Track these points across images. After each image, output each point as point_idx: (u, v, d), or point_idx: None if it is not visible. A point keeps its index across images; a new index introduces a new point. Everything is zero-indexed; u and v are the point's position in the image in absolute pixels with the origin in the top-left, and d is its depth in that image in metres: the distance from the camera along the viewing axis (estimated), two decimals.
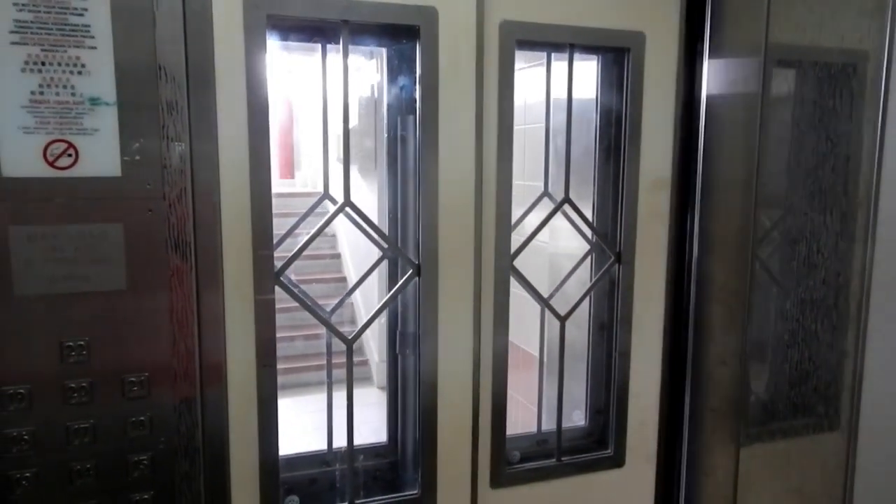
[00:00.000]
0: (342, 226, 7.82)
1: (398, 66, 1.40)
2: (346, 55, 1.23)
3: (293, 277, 1.35)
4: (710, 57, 1.51)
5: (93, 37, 0.99)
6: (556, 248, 1.78)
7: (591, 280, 1.61)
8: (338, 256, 7.11)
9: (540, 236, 1.58)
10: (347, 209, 1.33)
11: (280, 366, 1.29)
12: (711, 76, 1.52)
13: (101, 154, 1.01)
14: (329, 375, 1.51)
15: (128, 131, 1.02)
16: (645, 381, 1.60)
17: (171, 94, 1.03)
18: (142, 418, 1.07)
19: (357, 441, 1.43)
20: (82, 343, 1.03)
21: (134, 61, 1.01)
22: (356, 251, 6.89)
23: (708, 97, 1.52)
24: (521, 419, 1.87)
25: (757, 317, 1.54)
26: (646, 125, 1.50)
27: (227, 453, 1.15)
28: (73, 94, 0.99)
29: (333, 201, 1.36)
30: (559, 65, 1.52)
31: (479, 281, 1.39)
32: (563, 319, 1.56)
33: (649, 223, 1.55)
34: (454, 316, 1.37)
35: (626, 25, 1.44)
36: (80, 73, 0.99)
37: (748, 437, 1.54)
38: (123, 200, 1.03)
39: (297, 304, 1.31)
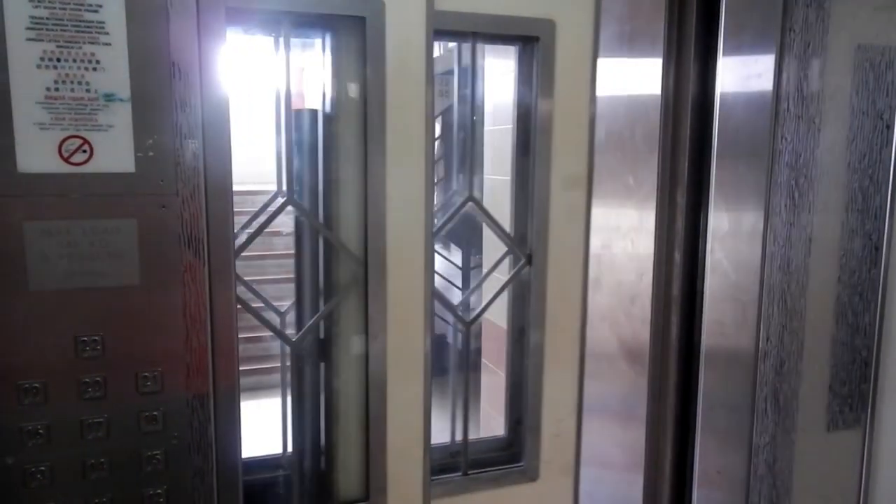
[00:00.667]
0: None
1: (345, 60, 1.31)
2: (287, 47, 1.21)
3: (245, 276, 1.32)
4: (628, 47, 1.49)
5: (107, 33, 0.99)
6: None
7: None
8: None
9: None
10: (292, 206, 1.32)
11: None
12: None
13: (115, 150, 1.02)
14: (283, 378, 1.48)
15: (142, 127, 1.02)
16: (561, 390, 1.51)
17: (184, 91, 1.03)
18: (155, 413, 1.08)
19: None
20: (97, 338, 1.03)
21: (148, 58, 1.01)
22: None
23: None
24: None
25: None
26: (558, 119, 1.40)
27: (240, 449, 1.16)
28: (87, 91, 0.99)
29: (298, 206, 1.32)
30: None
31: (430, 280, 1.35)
32: (468, 325, 1.52)
33: (564, 223, 1.46)
34: (404, 313, 1.34)
35: (535, 13, 1.35)
36: (94, 69, 0.99)
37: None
38: (137, 196, 1.03)
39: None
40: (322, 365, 1.39)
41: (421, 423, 1.37)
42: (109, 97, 1.00)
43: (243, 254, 1.21)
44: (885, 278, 1.48)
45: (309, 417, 1.40)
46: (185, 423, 1.10)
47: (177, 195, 1.05)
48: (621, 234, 1.82)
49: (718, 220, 1.60)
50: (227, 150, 1.08)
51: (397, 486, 1.37)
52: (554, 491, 1.53)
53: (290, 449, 1.42)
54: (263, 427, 1.61)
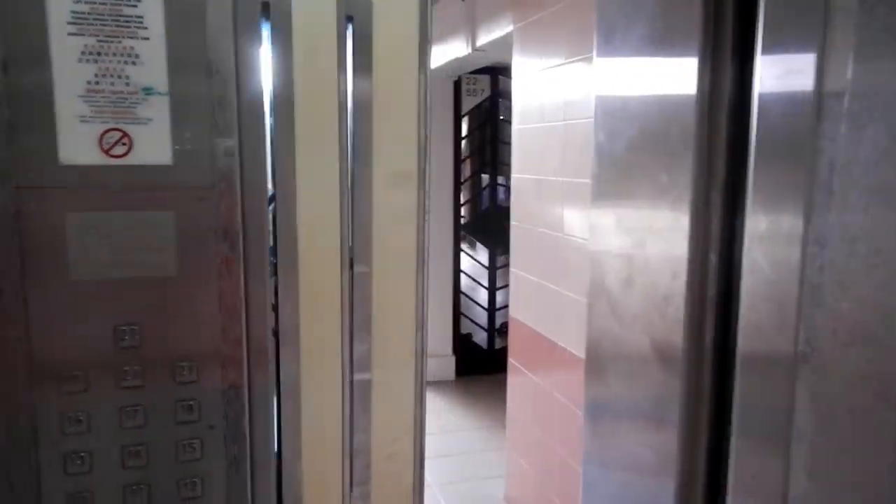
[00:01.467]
0: None
1: None
2: None
3: None
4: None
5: (146, 27, 1.01)
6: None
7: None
8: None
9: None
10: None
11: None
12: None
13: (153, 143, 1.03)
14: None
15: (179, 121, 1.04)
16: (395, 406, 1.30)
17: (221, 87, 1.05)
18: (191, 403, 1.09)
19: None
20: (135, 327, 1.05)
21: (185, 53, 1.03)
22: None
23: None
24: None
25: None
26: (379, 107, 1.20)
27: (274, 439, 1.17)
28: (127, 84, 1.01)
29: None
30: None
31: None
32: None
33: (392, 224, 1.25)
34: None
35: None
36: (133, 63, 1.01)
37: None
38: (175, 189, 1.05)
39: None
40: None
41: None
42: (148, 91, 1.02)
43: None
44: None
45: None
46: (220, 413, 1.11)
47: (213, 188, 1.06)
48: (654, 234, 1.80)
49: (756, 220, 1.57)
50: (262, 144, 1.09)
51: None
52: None
53: None
54: None
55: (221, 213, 1.07)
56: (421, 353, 1.29)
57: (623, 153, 1.78)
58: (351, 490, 1.25)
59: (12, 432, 1.02)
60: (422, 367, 1.30)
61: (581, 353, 2.74)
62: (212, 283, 1.08)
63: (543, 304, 3.24)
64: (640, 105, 1.94)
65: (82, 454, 1.04)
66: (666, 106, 1.89)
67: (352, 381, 1.23)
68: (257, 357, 1.13)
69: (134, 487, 1.08)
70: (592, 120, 1.69)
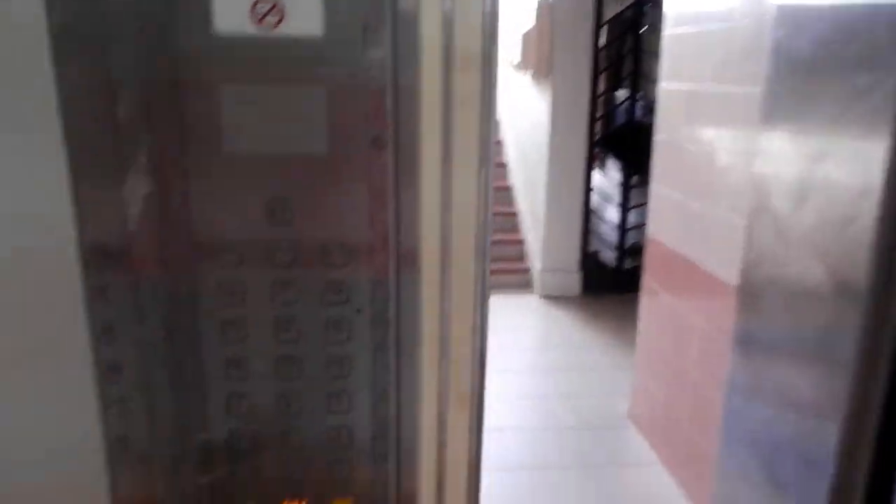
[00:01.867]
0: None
1: None
2: None
3: None
4: None
5: None
6: None
7: None
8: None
9: None
10: None
11: None
12: None
13: (304, 14, 0.99)
14: None
15: None
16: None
17: None
18: (340, 285, 1.09)
19: None
20: (287, 205, 1.05)
21: None
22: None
23: None
24: None
25: None
26: None
27: (420, 330, 1.15)
28: None
29: None
30: None
31: None
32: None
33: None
34: None
35: None
36: None
37: None
38: (325, 64, 1.01)
39: None
40: None
41: None
42: None
43: None
44: None
45: None
46: (367, 298, 1.10)
47: (364, 65, 1.01)
48: (840, 145, 1.55)
49: None
50: (415, 23, 1.01)
51: None
52: None
53: None
54: None
55: (373, 91, 1.02)
56: (483, 255, 1.16)
57: (808, 51, 1.53)
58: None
59: (178, 300, 1.07)
60: (483, 271, 1.19)
61: (726, 277, 2.55)
62: (361, 166, 1.05)
63: (687, 225, 3.03)
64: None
65: (236, 321, 1.07)
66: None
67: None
68: (405, 249, 1.10)
69: (285, 356, 1.11)
70: (757, 23, 1.45)
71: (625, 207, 5.86)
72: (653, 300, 3.49)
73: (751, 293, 1.81)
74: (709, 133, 2.88)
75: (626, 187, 5.84)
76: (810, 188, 1.61)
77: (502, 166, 7.78)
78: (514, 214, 7.15)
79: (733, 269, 2.31)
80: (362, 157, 1.04)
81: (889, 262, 1.36)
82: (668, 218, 3.27)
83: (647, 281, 3.53)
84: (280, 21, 0.99)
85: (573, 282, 5.99)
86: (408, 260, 1.10)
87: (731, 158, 2.62)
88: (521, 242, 6.75)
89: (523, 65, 6.71)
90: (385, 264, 1.09)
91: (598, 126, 5.92)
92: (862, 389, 1.47)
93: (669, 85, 3.33)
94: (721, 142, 2.75)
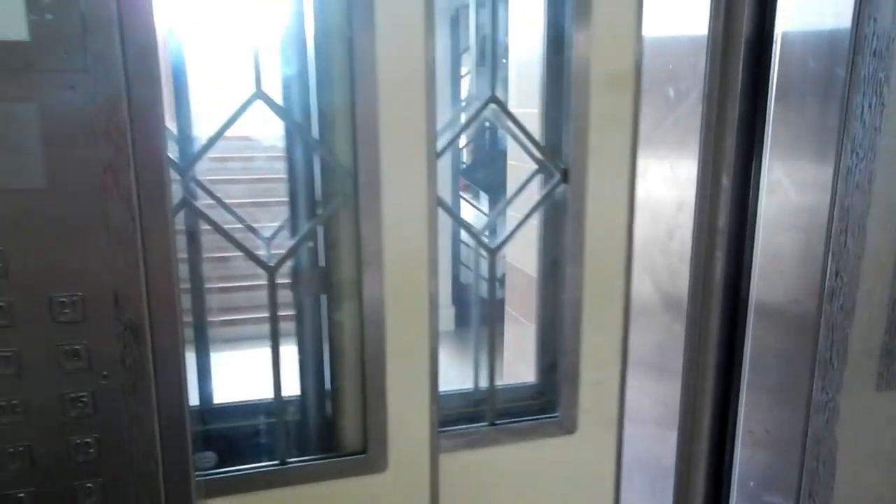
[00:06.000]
0: None
1: None
2: None
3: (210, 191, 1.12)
4: None
5: None
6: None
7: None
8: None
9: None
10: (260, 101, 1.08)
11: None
12: None
13: (1, 12, 0.79)
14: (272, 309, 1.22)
15: None
16: (603, 331, 1.30)
17: None
18: (77, 347, 0.88)
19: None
20: None
21: None
22: None
23: None
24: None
25: None
26: (598, 5, 1.16)
27: (186, 391, 0.96)
28: None
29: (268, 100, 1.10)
30: None
31: (435, 199, 1.15)
32: (493, 252, 1.29)
33: (604, 131, 1.21)
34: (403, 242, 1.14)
35: None
36: None
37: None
38: (35, 74, 0.80)
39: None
40: (324, 298, 1.21)
41: (426, 365, 1.17)
42: None
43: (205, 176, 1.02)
44: None
45: (308, 358, 1.21)
46: (116, 359, 0.89)
47: (87, 72, 0.82)
48: (658, 157, 1.55)
49: (778, 133, 1.32)
50: (149, 8, 0.84)
51: (399, 437, 1.19)
52: (594, 445, 1.33)
53: (290, 393, 1.25)
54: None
55: (99, 105, 0.83)
56: (628, 276, 1.24)
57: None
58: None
59: None
60: (628, 292, 1.25)
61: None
62: (94, 196, 0.85)
63: None
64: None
65: None
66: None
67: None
68: (160, 290, 0.90)
69: (11, 450, 0.88)
70: None
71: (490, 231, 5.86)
72: (518, 330, 3.44)
73: None
74: None
75: (493, 212, 5.85)
76: (639, 204, 1.59)
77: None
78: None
79: None
80: (95, 185, 0.84)
81: (705, 272, 1.35)
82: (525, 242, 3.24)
83: (509, 309, 3.48)
84: None
85: (446, 316, 5.87)
86: (163, 309, 0.90)
87: None
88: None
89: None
90: (138, 310, 0.89)
91: (465, 154, 5.91)
92: (691, 398, 1.45)
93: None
94: None
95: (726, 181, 1.43)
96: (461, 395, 1.33)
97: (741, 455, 1.44)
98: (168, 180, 0.90)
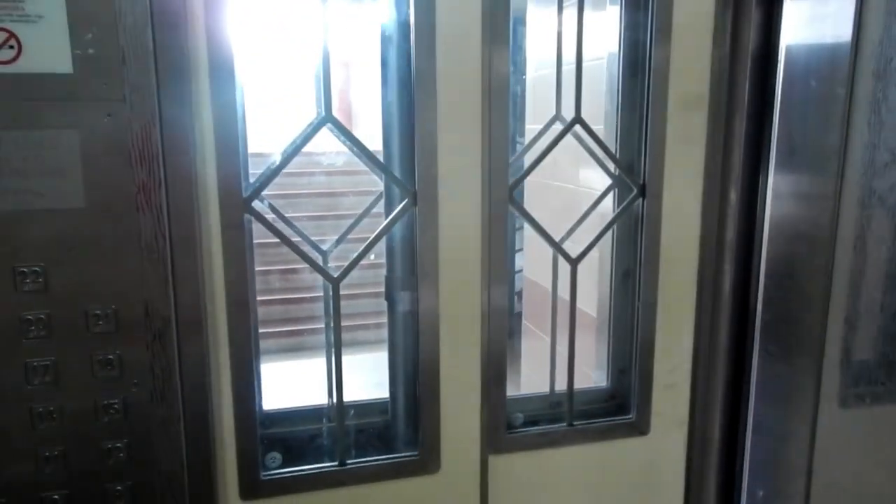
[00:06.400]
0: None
1: None
2: None
3: (278, 208, 1.19)
4: None
5: None
6: (577, 184, 1.56)
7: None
8: (368, 193, 6.77)
9: (553, 179, 1.37)
10: (329, 125, 1.14)
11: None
12: None
13: (47, 46, 0.86)
14: (327, 319, 1.33)
15: (78, 18, 0.86)
16: (675, 337, 1.36)
17: None
18: (110, 357, 0.94)
19: (370, 392, 1.28)
20: (38, 269, 0.89)
21: None
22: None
23: None
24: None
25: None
26: (677, 30, 1.24)
27: (210, 398, 1.01)
28: None
29: (337, 124, 1.16)
30: None
31: (488, 212, 1.20)
32: (574, 263, 1.34)
33: (680, 150, 1.29)
34: (457, 251, 1.19)
35: None
36: None
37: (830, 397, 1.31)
38: (77, 102, 0.88)
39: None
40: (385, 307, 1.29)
41: (477, 372, 1.24)
42: None
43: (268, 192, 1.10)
44: None
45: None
46: (145, 368, 0.95)
47: (124, 101, 0.89)
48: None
49: (782, 148, 1.36)
50: (183, 44, 0.91)
51: (451, 440, 1.25)
52: (666, 445, 1.39)
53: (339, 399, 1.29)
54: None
55: (135, 131, 0.90)
56: (700, 285, 1.33)
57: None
58: None
59: None
60: (700, 301, 1.34)
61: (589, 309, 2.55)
62: (128, 215, 0.91)
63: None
64: None
65: None
66: None
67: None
68: (186, 302, 0.96)
69: (47, 455, 0.94)
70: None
71: None
72: (534, 344, 3.47)
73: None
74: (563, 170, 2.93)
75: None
76: None
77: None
78: (380, 265, 6.89)
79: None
80: (129, 205, 0.91)
81: (714, 286, 1.38)
82: (541, 257, 3.28)
83: (527, 323, 3.51)
84: (17, 56, 0.85)
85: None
86: (191, 311, 0.96)
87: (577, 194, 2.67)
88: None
89: (328, 71, 6.57)
90: (166, 320, 0.95)
91: None
92: (702, 406, 1.48)
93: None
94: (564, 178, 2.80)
95: (734, 195, 1.46)
96: (538, 398, 1.40)
97: (750, 463, 1.45)
98: (195, 196, 0.96)
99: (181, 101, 0.92)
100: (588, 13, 1.28)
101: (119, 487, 0.96)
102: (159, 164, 0.91)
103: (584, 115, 1.31)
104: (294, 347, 4.77)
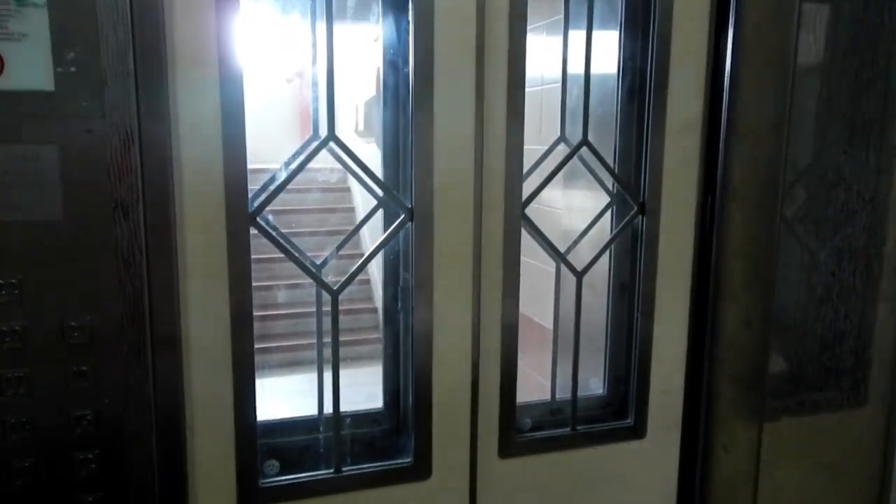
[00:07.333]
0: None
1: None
2: None
3: (275, 223, 1.22)
4: None
5: None
6: (570, 204, 1.61)
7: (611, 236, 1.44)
8: (351, 210, 6.75)
9: (550, 201, 1.41)
10: (332, 144, 1.19)
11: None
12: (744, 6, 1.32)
13: (30, 64, 0.88)
14: (319, 332, 1.36)
15: (61, 38, 0.89)
16: (670, 346, 1.43)
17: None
18: (84, 368, 0.95)
19: (357, 403, 1.32)
20: (14, 281, 0.91)
21: None
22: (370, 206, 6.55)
23: (738, 29, 1.33)
24: (530, 393, 1.72)
25: (787, 272, 1.36)
26: (674, 60, 1.33)
27: (183, 411, 1.03)
28: None
29: (340, 144, 1.20)
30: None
31: (480, 229, 1.23)
32: (579, 275, 1.40)
33: (677, 171, 1.37)
34: (453, 267, 1.22)
35: None
36: None
37: (774, 409, 1.36)
38: (57, 119, 0.90)
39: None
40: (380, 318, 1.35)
41: (468, 381, 1.27)
42: (22, 1, 0.87)
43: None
44: None
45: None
46: (118, 380, 0.96)
47: (104, 118, 0.91)
48: None
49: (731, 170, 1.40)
50: (162, 64, 0.94)
51: (442, 447, 1.28)
52: (661, 447, 1.47)
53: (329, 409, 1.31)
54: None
55: (114, 147, 0.92)
56: (693, 298, 1.40)
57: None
58: None
59: None
60: (693, 310, 1.41)
61: (543, 320, 2.56)
62: (105, 228, 0.93)
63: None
64: None
65: None
66: None
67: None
68: (162, 315, 0.98)
69: (19, 466, 0.94)
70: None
71: None
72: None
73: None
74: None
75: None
76: None
77: (350, 211, 7.53)
78: (367, 281, 6.81)
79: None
80: (107, 218, 0.93)
81: None
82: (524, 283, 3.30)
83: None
84: (0, 73, 0.88)
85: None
86: (166, 324, 0.98)
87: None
88: (375, 311, 6.42)
89: (366, 132, 6.72)
90: (141, 333, 0.96)
91: None
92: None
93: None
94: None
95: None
96: (540, 405, 1.47)
97: (703, 470, 1.50)
98: (174, 210, 0.98)
99: (160, 118, 0.94)
100: (573, 35, 1.35)
101: (90, 499, 0.97)
102: (138, 178, 0.94)
103: (568, 133, 1.38)
104: (282, 363, 4.77)
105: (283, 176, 1.19)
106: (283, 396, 1.65)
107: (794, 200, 1.41)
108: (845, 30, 1.38)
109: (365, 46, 1.37)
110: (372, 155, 1.34)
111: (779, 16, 1.29)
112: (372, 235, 1.34)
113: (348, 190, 6.20)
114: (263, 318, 5.05)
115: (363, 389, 1.50)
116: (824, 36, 1.39)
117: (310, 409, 1.35)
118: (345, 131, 1.15)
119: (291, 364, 4.77)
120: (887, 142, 1.38)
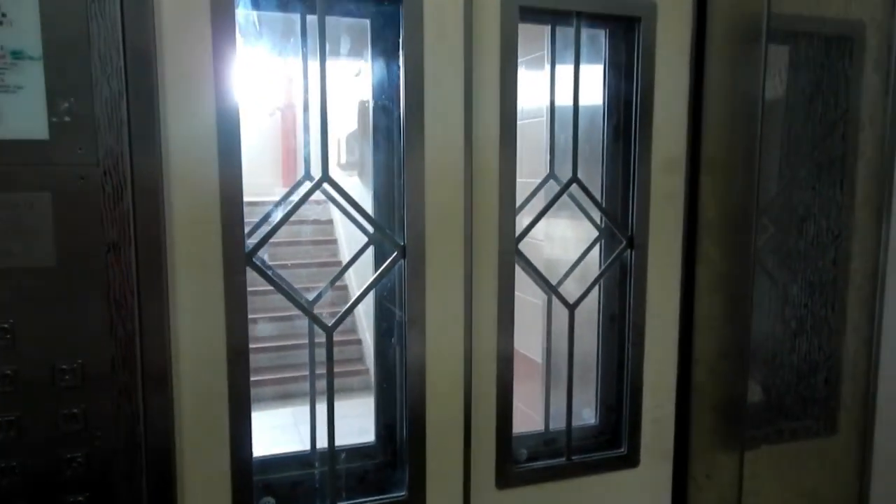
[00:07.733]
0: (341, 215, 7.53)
1: (382, 36, 1.28)
2: (322, 21, 1.13)
3: (268, 260, 1.24)
4: (713, 31, 1.37)
5: None
6: (551, 234, 1.65)
7: (600, 268, 1.47)
8: (334, 242, 6.76)
9: (532, 233, 1.45)
10: (325, 185, 1.21)
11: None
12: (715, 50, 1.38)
13: (25, 115, 0.91)
14: (312, 366, 1.37)
15: (56, 89, 0.91)
16: (660, 375, 1.46)
17: (106, 46, 0.92)
18: (75, 411, 0.96)
19: (349, 438, 1.33)
20: (6, 326, 0.92)
21: (62, 9, 0.91)
22: (353, 239, 6.57)
23: (711, 72, 1.38)
24: (518, 424, 1.75)
25: (762, 305, 1.40)
26: (658, 101, 1.38)
27: (174, 451, 1.04)
28: None
29: (334, 185, 1.23)
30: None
31: (470, 265, 1.26)
32: (572, 308, 1.43)
33: (662, 206, 1.42)
34: (444, 302, 1.25)
35: None
36: (0, 23, 0.89)
37: (754, 438, 1.39)
38: (51, 167, 0.92)
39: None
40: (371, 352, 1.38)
41: (461, 415, 1.29)
42: (18, 55, 0.90)
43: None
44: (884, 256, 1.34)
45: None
46: (109, 421, 0.98)
47: (98, 166, 0.94)
48: None
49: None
50: (153, 113, 0.97)
51: (438, 482, 1.29)
52: (654, 475, 1.49)
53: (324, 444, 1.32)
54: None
55: (107, 193, 0.94)
56: (682, 328, 1.44)
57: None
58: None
59: None
60: (683, 339, 1.44)
61: (533, 354, 2.58)
62: (98, 273, 0.95)
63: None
64: None
65: None
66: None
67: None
68: (153, 358, 1.00)
69: None
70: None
71: None
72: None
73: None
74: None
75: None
76: None
77: (333, 243, 7.55)
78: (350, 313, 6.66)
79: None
80: (99, 263, 0.95)
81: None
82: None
83: None
84: None
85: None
86: (157, 365, 0.99)
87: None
88: (359, 342, 6.36)
89: (348, 165, 6.72)
90: (132, 375, 0.98)
91: None
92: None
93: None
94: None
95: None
96: (534, 436, 1.49)
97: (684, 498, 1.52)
98: (165, 255, 1.00)
99: (153, 165, 0.97)
100: (561, 69, 1.40)
101: None
102: (130, 223, 0.96)
103: (557, 170, 1.43)
104: (265, 397, 4.73)
105: (278, 216, 1.22)
106: (264, 431, 1.65)
107: (765, 232, 1.46)
108: (809, 75, 1.44)
109: (347, 81, 1.41)
110: (354, 186, 1.38)
111: (748, 59, 1.34)
112: (357, 268, 1.37)
113: (331, 222, 6.23)
114: (253, 350, 5.02)
115: (350, 422, 1.52)
116: (788, 79, 1.45)
117: (293, 444, 1.37)
118: (329, 164, 1.18)
119: (274, 398, 4.75)
120: (848, 179, 1.44)
